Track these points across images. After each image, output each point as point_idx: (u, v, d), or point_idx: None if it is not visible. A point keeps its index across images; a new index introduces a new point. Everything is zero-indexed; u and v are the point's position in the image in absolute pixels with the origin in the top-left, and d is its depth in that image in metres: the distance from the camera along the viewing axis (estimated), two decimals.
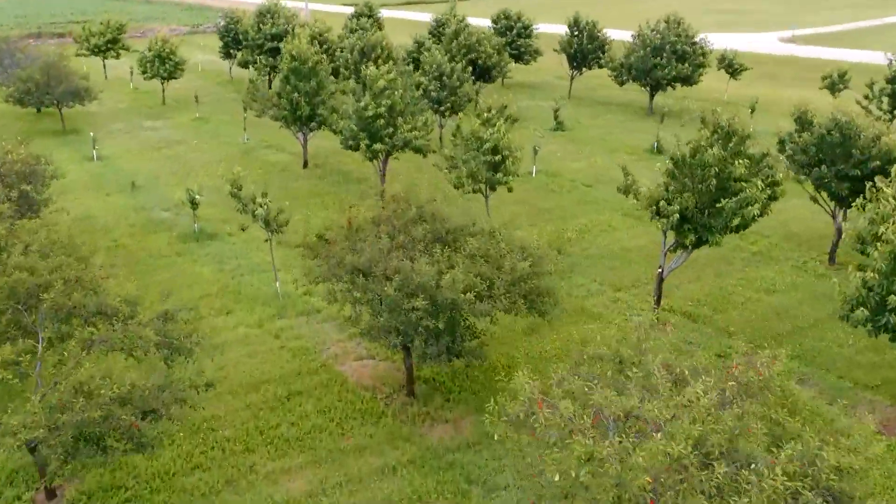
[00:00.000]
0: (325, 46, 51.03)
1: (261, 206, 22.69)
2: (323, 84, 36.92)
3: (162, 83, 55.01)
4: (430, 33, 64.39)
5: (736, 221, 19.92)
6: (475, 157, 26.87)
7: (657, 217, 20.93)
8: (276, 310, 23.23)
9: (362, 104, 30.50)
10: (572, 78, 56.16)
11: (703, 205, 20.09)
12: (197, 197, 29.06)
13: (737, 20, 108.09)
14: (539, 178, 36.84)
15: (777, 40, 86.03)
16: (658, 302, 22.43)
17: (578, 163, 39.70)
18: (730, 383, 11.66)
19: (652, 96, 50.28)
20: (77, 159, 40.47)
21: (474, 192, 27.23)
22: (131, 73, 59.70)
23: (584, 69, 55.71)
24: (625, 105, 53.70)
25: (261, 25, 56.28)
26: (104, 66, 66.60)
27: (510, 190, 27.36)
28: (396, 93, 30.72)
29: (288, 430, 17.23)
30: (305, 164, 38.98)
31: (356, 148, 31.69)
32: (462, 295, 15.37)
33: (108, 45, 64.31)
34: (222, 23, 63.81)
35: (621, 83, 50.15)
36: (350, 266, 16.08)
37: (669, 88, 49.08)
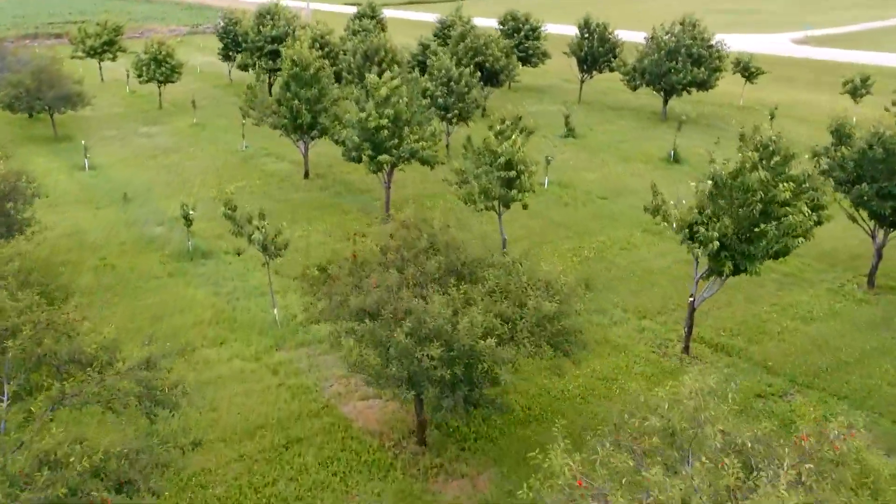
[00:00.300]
0: (326, 49, 49.26)
1: (257, 229, 20.89)
2: (325, 91, 35.15)
3: (158, 87, 53.25)
4: (434, 35, 62.55)
5: (777, 248, 18.17)
6: (488, 173, 25.09)
7: (689, 241, 19.15)
8: (274, 340, 21.47)
9: (365, 114, 28.73)
10: (582, 82, 54.37)
11: (743, 230, 18.31)
12: (191, 213, 27.30)
13: (742, 20, 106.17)
14: (552, 189, 35.05)
15: (789, 41, 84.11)
16: (689, 334, 20.66)
17: (592, 173, 37.88)
18: (806, 466, 9.85)
19: (666, 101, 48.47)
20: (67, 169, 38.72)
21: (487, 209, 25.44)
22: (127, 76, 57.94)
23: (594, 73, 53.85)
24: (637, 110, 51.88)
25: (261, 27, 54.54)
26: (100, 68, 64.88)
27: (525, 207, 25.56)
28: (401, 101, 28.93)
29: (286, 488, 15.45)
30: (306, 175, 37.22)
31: (359, 160, 29.93)
32: (482, 341, 13.60)
33: (105, 46, 62.55)
34: (221, 24, 62.04)
35: (634, 88, 48.33)
36: (355, 308, 14.28)
37: (684, 93, 47.19)
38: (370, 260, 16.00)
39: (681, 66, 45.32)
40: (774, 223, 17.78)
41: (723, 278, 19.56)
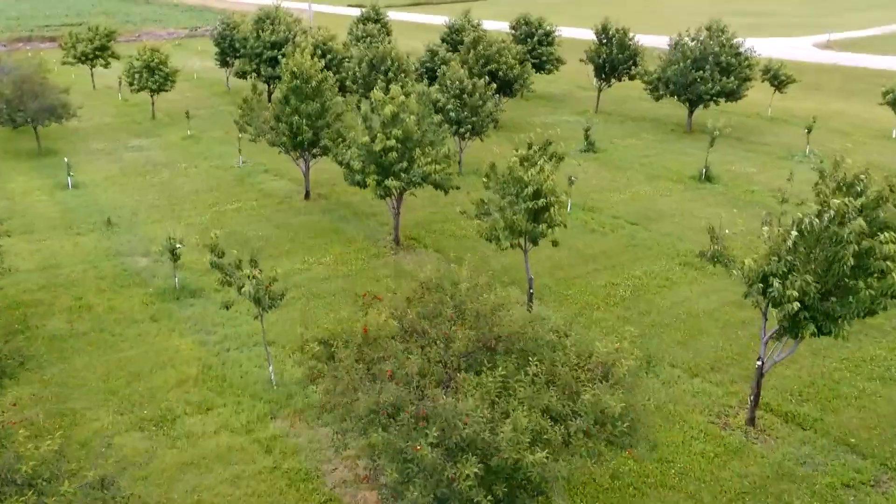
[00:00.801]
0: (329, 57, 46.24)
1: (248, 279, 17.86)
2: (328, 105, 32.14)
3: (151, 96, 50.26)
4: (442, 40, 59.53)
5: (872, 307, 15.14)
6: (513, 204, 22.04)
7: (761, 296, 16.09)
8: (268, 406, 18.43)
9: (369, 137, 25.67)
10: (600, 90, 51.27)
11: (829, 287, 15.26)
12: (178, 246, 24.29)
13: (761, 23, 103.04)
14: (576, 214, 31.98)
15: (811, 46, 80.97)
16: (755, 403, 17.60)
17: (618, 193, 34.80)
18: None
19: (691, 112, 45.38)
20: (49, 188, 35.71)
21: (512, 246, 22.38)
22: (119, 83, 54.98)
23: (613, 80, 50.77)
24: (659, 121, 48.79)
25: (260, 32, 51.54)
26: (92, 75, 61.97)
27: (555, 244, 22.48)
28: (410, 118, 25.87)
29: None
30: (307, 195, 34.20)
31: (363, 185, 26.92)
32: (530, 455, 10.57)
33: (96, 52, 59.63)
34: (218, 28, 59.03)
35: (658, 98, 45.27)
36: (366, 410, 11.22)
37: (711, 104, 44.11)
38: (385, 334, 12.94)
39: (708, 76, 42.27)
40: (870, 280, 14.73)
41: (798, 340, 16.51)
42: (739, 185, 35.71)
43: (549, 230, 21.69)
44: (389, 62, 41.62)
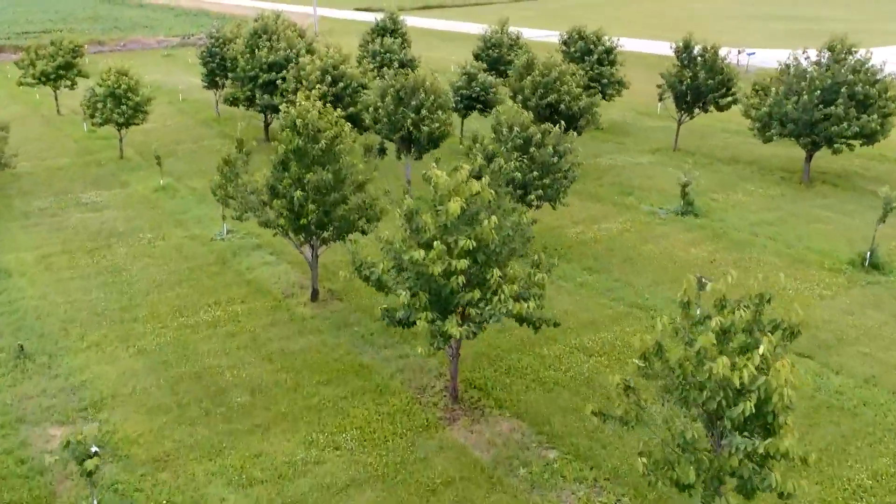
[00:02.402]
0: (340, 85, 36.08)
1: None
2: (345, 174, 22.04)
3: (119, 131, 40.16)
4: (477, 57, 49.47)
5: None
6: (699, 403, 11.87)
7: None
8: None
9: (417, 255, 15.43)
10: (679, 123, 40.97)
11: None
12: (94, 451, 14.20)
13: (812, 29, 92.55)
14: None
15: None
16: None
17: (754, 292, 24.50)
18: None
19: (810, 157, 35.11)
20: None
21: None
22: (84, 112, 44.93)
23: (696, 110, 40.50)
24: (761, 166, 38.44)
25: (255, 50, 41.43)
26: (56, 97, 51.91)
27: (787, 496, 12.16)
28: (490, 222, 15.63)
29: None
30: (315, 295, 24.07)
31: (409, 324, 16.79)
32: None
33: (60, 71, 49.68)
34: (205, 43, 48.89)
35: (767, 139, 35.03)
36: None
37: (844, 147, 33.82)
38: None
39: (842, 112, 32.05)
40: None
41: None
42: None
43: (780, 484, 11.42)
44: (423, 95, 31.46)
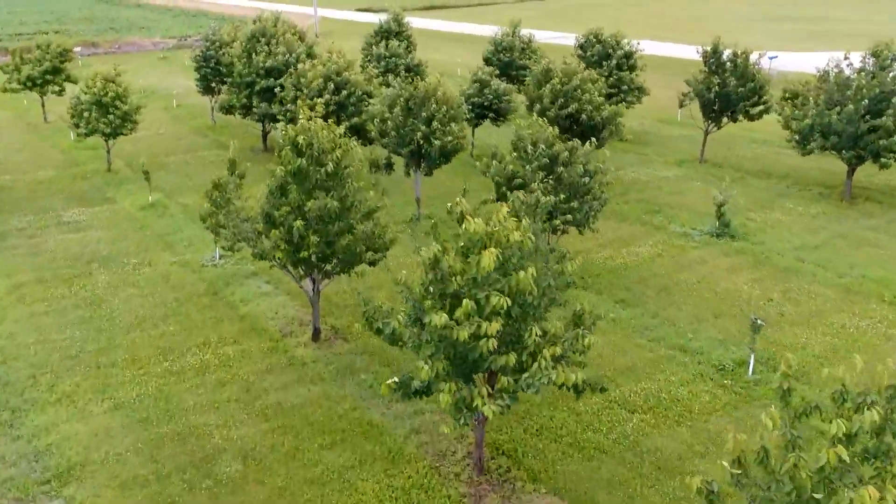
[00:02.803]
0: (344, 94, 33.42)
1: None
2: (352, 202, 19.38)
3: (106, 141, 37.51)
4: (487, 61, 46.82)
5: None
6: None
7: None
8: None
9: (439, 320, 12.70)
10: (707, 133, 38.25)
11: None
12: None
13: (825, 31, 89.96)
14: (764, 386, 18.99)
15: None
16: None
17: (807, 330, 21.66)
18: None
19: (852, 172, 32.44)
20: None
21: None
22: (68, 120, 42.23)
23: (724, 120, 37.80)
24: (797, 179, 35.68)
25: (252, 55, 38.77)
26: (43, 104, 49.26)
27: None
28: (527, 274, 12.94)
29: None
30: (316, 335, 21.40)
31: (426, 393, 14.12)
32: None
33: (47, 76, 47.06)
34: (199, 47, 46.25)
35: (807, 152, 32.35)
36: None
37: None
38: None
39: (893, 125, 29.39)
40: None
41: None
42: None
43: None
44: (434, 105, 28.77)
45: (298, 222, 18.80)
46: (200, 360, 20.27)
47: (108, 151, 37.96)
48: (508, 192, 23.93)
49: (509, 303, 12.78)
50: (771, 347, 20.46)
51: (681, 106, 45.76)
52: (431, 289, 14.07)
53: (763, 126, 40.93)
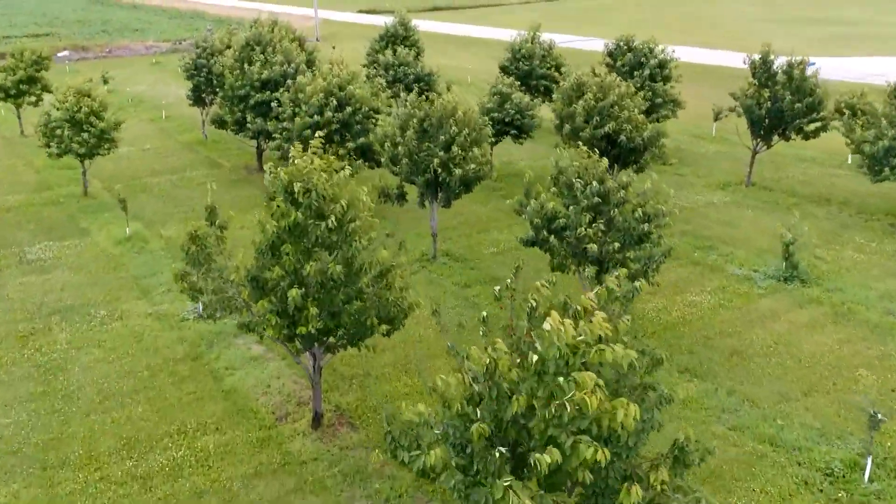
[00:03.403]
0: (349, 111, 29.35)
1: None
2: (360, 264, 15.28)
3: (81, 163, 33.47)
4: (503, 70, 42.74)
5: None
6: None
7: None
8: None
9: (497, 492, 8.66)
10: (755, 153, 34.10)
11: None
12: None
13: (850, 33, 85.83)
14: (889, 501, 14.92)
15: None
16: None
17: None
18: None
19: None
20: None
21: None
22: (38, 139, 38.14)
23: (774, 138, 33.68)
24: (854, 206, 31.48)
25: (246, 65, 34.70)
26: (19, 115, 45.24)
27: None
28: (626, 411, 8.92)
29: None
30: (317, 420, 17.30)
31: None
32: None
33: (21, 86, 43.06)
34: (190, 54, 42.22)
35: (880, 179, 28.25)
36: None
37: None
38: None
39: None
40: None
41: None
42: None
43: None
44: (454, 127, 24.64)
45: (294, 291, 14.71)
46: (172, 458, 16.19)
47: (84, 173, 33.89)
48: (548, 236, 20.09)
49: (607, 456, 8.73)
50: (886, 441, 16.38)
51: (716, 119, 41.86)
52: (481, 412, 10.00)
53: (811, 142, 36.81)
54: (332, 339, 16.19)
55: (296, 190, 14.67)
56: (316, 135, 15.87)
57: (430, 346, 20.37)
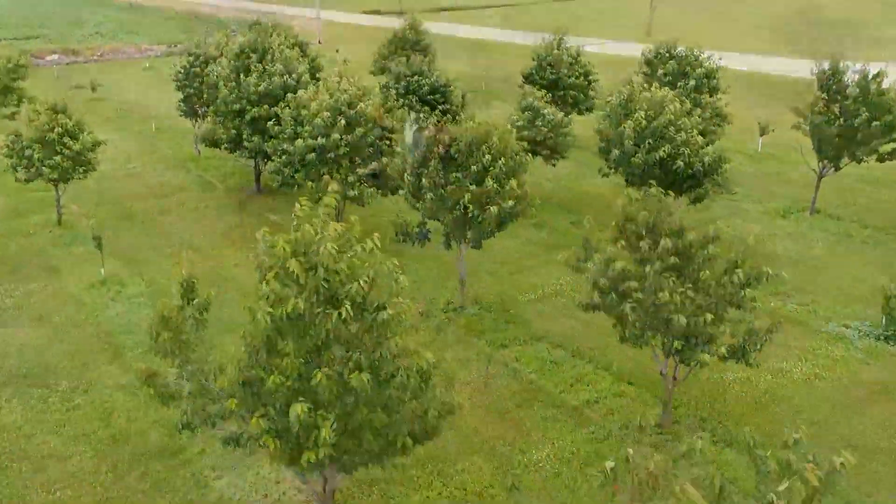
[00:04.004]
0: (359, 133, 25.24)
1: None
2: (395, 371, 11.21)
3: (55, 188, 29.42)
4: (527, 79, 38.70)
5: None
6: None
7: None
8: None
9: None
10: (821, 176, 29.95)
11: None
12: None
13: (857, 35, 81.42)
14: None
15: None
16: None
17: None
18: None
19: None
20: None
21: None
22: (6, 161, 33.89)
23: (844, 160, 29.52)
24: None
25: (241, 76, 30.65)
26: None
27: None
28: None
29: None
30: None
31: None
32: None
33: None
34: (181, 63, 38.16)
35: None
36: None
37: None
38: None
39: None
40: None
41: None
42: None
43: None
44: (487, 156, 20.54)
45: (299, 407, 10.66)
46: None
47: (59, 200, 29.83)
48: (618, 301, 15.99)
49: None
50: None
51: (761, 134, 37.94)
52: None
53: (874, 165, 32.75)
54: (347, 457, 12.16)
55: (292, 269, 10.60)
56: (330, 189, 11.74)
57: (464, 431, 16.32)
